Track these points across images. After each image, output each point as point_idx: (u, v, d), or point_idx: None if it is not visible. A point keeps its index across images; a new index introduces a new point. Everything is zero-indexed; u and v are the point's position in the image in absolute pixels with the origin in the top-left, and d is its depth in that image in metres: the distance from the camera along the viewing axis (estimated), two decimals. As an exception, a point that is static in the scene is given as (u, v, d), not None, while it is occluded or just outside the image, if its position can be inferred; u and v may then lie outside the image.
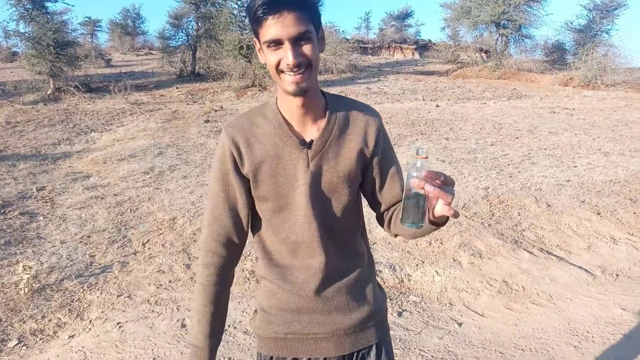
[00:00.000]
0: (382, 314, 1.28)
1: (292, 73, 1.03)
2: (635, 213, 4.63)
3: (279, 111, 1.15)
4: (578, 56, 15.76)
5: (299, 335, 1.20)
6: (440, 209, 0.97)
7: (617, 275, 3.57)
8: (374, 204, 1.26)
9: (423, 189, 0.94)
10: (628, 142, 7.62)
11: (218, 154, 1.18)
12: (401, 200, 1.21)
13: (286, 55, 1.00)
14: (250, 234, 1.26)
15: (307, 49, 1.02)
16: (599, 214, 4.57)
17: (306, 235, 1.16)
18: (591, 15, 17.11)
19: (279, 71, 1.04)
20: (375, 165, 1.20)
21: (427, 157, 0.98)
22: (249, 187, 1.17)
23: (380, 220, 1.28)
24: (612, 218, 4.51)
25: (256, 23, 1.01)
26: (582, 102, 11.69)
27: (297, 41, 1.00)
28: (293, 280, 1.19)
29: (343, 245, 1.22)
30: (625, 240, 4.12)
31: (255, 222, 1.23)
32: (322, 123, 1.15)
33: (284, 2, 0.97)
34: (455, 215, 0.96)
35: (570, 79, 14.34)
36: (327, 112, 1.16)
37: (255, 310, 1.28)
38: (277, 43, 1.01)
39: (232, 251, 1.21)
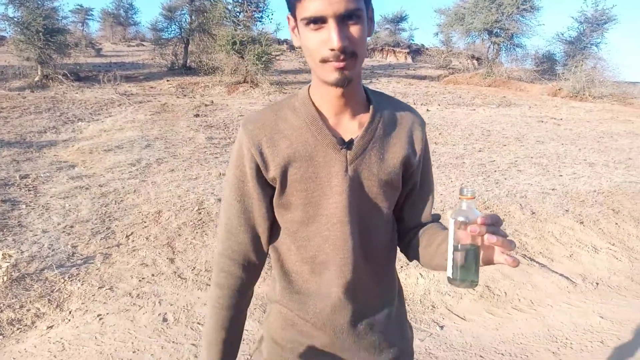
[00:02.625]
0: (409, 357, 1.12)
1: (334, 59, 0.83)
2: (617, 223, 4.71)
3: (312, 102, 0.95)
4: (567, 67, 15.99)
5: None
6: (500, 259, 0.78)
7: (597, 283, 3.63)
8: (400, 218, 1.08)
9: (479, 238, 0.76)
10: (613, 153, 7.75)
11: (234, 157, 0.98)
12: (427, 222, 1.06)
13: (330, 36, 0.81)
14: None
15: (355, 30, 0.82)
16: (582, 223, 4.63)
17: (339, 256, 0.95)
18: (582, 28, 17.35)
19: (320, 57, 0.84)
20: (416, 177, 1.03)
21: (474, 197, 0.80)
22: (271, 196, 0.98)
23: (402, 237, 1.10)
24: (594, 227, 4.58)
25: None
26: (570, 112, 11.86)
27: (343, 20, 0.81)
28: (318, 311, 0.99)
29: (378, 271, 1.02)
30: (607, 250, 4.19)
31: (276, 236, 1.02)
32: (364, 119, 0.96)
33: None
34: (518, 264, 0.77)
35: (559, 89, 14.54)
36: (371, 108, 0.97)
37: (261, 339, 1.08)
38: (318, 21, 0.81)
39: (249, 271, 1.02)
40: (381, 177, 0.96)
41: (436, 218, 1.09)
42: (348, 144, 0.93)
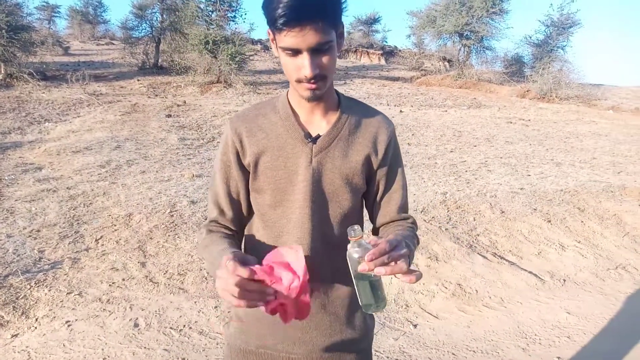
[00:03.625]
0: (367, 342, 1.19)
1: (306, 81, 0.97)
2: (582, 221, 4.87)
3: (289, 102, 1.10)
4: (535, 69, 16.41)
5: (271, 351, 1.11)
6: (401, 278, 0.90)
7: (564, 280, 3.75)
8: (372, 217, 1.19)
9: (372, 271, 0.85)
10: (578, 153, 8.00)
11: (221, 145, 1.13)
12: (394, 220, 1.15)
13: (303, 65, 0.94)
14: None
15: (325, 59, 0.96)
16: (549, 221, 4.77)
17: (297, 237, 1.06)
18: (549, 31, 17.85)
19: (296, 78, 0.98)
20: (380, 177, 1.13)
21: (361, 237, 0.90)
22: (249, 179, 1.11)
23: (375, 234, 1.20)
24: (561, 226, 4.72)
25: (274, 27, 0.93)
26: (538, 113, 12.19)
27: (315, 51, 0.94)
28: None
29: (336, 257, 1.08)
30: (573, 247, 4.33)
31: (249, 218, 1.16)
32: (332, 119, 1.10)
33: (306, 14, 0.89)
34: (419, 278, 0.89)
35: (527, 91, 14.92)
36: (339, 110, 1.11)
37: (232, 317, 1.20)
38: (294, 51, 0.94)
39: (233, 233, 1.15)
40: (343, 171, 1.07)
41: (405, 218, 1.16)
42: (314, 139, 1.07)
